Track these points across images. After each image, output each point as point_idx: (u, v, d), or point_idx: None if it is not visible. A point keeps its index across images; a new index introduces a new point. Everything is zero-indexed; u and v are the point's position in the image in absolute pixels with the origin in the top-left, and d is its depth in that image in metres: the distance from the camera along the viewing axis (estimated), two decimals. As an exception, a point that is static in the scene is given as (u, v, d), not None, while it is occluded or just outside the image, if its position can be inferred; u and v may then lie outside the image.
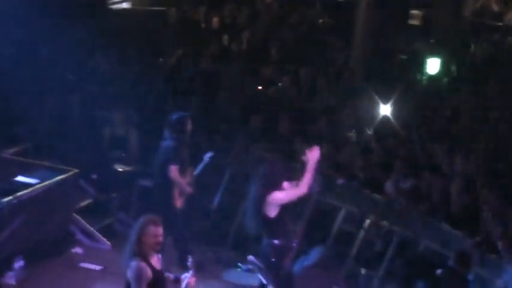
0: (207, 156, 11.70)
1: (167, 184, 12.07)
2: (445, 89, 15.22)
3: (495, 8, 19.38)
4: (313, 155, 10.02)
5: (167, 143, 12.11)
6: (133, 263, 8.42)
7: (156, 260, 8.63)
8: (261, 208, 9.90)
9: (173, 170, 11.76)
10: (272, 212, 9.83)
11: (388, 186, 12.12)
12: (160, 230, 8.71)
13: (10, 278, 10.91)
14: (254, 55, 16.62)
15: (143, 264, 8.38)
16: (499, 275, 10.37)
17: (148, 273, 8.39)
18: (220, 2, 19.30)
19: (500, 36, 18.03)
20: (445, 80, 15.72)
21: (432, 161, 12.59)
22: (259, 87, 15.55)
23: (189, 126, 11.96)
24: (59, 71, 15.51)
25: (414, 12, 18.08)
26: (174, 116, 12.12)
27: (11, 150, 13.52)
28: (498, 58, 16.81)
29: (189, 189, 12.06)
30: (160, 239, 8.66)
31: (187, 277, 8.77)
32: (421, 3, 19.05)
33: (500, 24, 18.46)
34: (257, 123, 14.35)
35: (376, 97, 13.85)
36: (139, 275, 8.40)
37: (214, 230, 13.08)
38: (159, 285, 8.51)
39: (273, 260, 9.92)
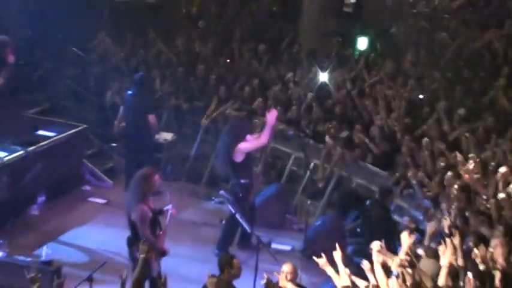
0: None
1: (145, 129, 12.32)
2: (372, 62, 15.59)
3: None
4: (271, 115, 10.36)
5: (137, 98, 12.41)
6: (139, 208, 8.58)
7: (151, 201, 8.78)
8: (230, 155, 10.38)
9: (152, 118, 12.15)
10: (239, 158, 10.28)
11: (328, 137, 12.26)
12: (158, 178, 8.93)
13: (34, 210, 11.30)
14: (224, 36, 16.65)
15: (146, 208, 8.53)
16: (413, 206, 10.74)
17: (149, 213, 8.60)
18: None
19: (414, 20, 17.81)
20: (372, 54, 16.13)
21: (362, 116, 12.83)
22: (228, 61, 15.81)
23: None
24: (69, 49, 15.33)
25: (348, 1, 18.06)
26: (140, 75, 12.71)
27: (33, 110, 13.80)
28: (413, 37, 16.82)
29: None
30: (158, 184, 8.90)
31: (169, 209, 8.84)
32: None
33: (414, 11, 18.02)
34: (226, 88, 14.44)
35: (318, 68, 14.04)
36: (144, 217, 8.56)
37: (192, 171, 13.23)
38: (155, 220, 8.71)
39: (240, 195, 10.37)
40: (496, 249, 7.50)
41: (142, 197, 8.50)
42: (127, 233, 8.70)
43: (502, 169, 9.86)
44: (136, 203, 8.48)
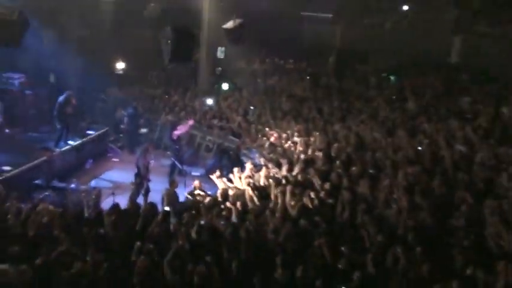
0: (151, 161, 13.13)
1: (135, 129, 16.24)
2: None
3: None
4: (190, 121, 15.25)
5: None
6: (141, 160, 12.13)
7: (146, 157, 12.44)
8: (171, 135, 15.30)
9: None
10: (175, 137, 15.13)
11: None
12: (150, 148, 12.78)
13: (88, 165, 15.07)
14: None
15: (144, 160, 12.12)
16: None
17: (145, 162, 12.24)
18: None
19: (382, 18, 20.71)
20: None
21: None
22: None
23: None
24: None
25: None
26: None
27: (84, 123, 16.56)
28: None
29: None
30: (150, 150, 12.68)
31: (152, 161, 12.69)
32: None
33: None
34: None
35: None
36: (144, 164, 12.17)
37: (157, 144, 16.64)
38: (147, 166, 12.30)
39: (175, 153, 14.76)
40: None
41: (144, 155, 12.58)
42: (132, 173, 12.50)
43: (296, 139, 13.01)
44: (141, 158, 12.52)
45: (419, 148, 11.31)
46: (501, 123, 12.48)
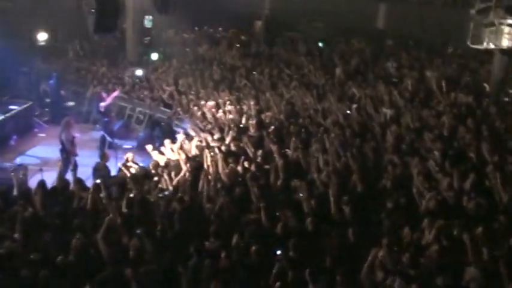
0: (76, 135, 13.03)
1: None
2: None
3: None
4: (116, 91, 14.93)
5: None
6: (64, 134, 11.85)
7: (69, 131, 12.32)
8: (98, 107, 14.83)
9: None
10: (103, 108, 14.66)
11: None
12: (72, 122, 12.41)
13: (12, 142, 14.49)
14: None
15: (68, 134, 12.03)
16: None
17: (69, 137, 12.18)
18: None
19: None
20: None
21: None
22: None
23: None
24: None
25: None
26: None
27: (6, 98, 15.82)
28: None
29: None
30: (72, 124, 12.28)
31: (76, 136, 12.33)
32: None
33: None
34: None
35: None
36: (68, 139, 12.08)
37: (86, 117, 16.53)
38: (72, 139, 12.19)
39: (105, 125, 14.45)
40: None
41: (66, 129, 12.10)
42: (58, 148, 12.18)
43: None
44: (63, 132, 12.08)
45: (349, 112, 11.51)
46: (425, 86, 12.93)
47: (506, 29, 11.79)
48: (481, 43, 12.23)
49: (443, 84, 12.41)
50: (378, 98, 12.19)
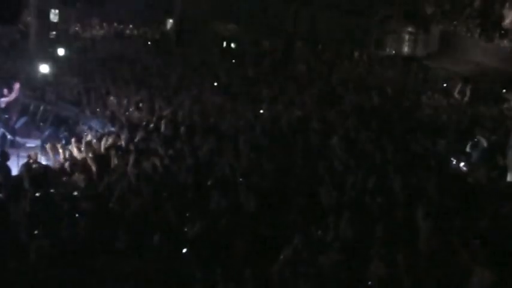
0: None
1: None
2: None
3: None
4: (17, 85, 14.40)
5: None
6: None
7: None
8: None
9: None
10: (3, 104, 14.18)
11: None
12: None
13: None
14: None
15: None
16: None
17: None
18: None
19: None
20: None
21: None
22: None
23: None
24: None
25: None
26: None
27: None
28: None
29: None
30: None
31: None
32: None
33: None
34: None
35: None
36: None
37: None
38: None
39: (5, 123, 13.91)
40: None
41: None
42: None
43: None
44: None
45: (260, 112, 11.73)
46: (331, 87, 13.39)
47: (407, 37, 12.35)
48: (384, 49, 12.73)
49: (350, 87, 12.87)
50: (288, 98, 12.44)
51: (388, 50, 12.86)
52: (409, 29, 12.64)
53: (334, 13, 18.81)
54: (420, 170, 8.24)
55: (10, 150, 11.40)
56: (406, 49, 12.84)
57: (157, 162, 9.27)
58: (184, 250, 6.27)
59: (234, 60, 17.66)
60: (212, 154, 9.44)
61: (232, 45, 20.01)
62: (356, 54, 17.58)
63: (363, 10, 17.48)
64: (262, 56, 17.59)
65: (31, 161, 10.43)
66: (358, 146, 9.61)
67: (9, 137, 13.32)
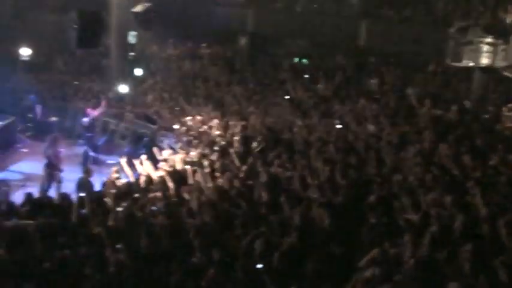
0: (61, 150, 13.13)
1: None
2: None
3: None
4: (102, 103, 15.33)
5: None
6: (50, 150, 12.11)
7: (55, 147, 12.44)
8: (82, 122, 15.05)
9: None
10: (87, 123, 14.85)
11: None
12: (59, 137, 12.60)
13: None
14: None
15: (54, 150, 12.19)
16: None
17: (55, 152, 12.30)
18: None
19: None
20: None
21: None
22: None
23: None
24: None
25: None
26: None
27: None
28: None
29: None
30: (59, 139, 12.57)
31: (62, 151, 12.54)
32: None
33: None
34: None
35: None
36: (54, 154, 12.19)
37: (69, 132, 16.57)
38: (57, 154, 12.30)
39: (88, 140, 14.78)
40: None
41: (53, 145, 12.35)
42: (41, 163, 12.34)
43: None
44: (50, 148, 12.31)
45: (333, 129, 11.65)
46: (406, 103, 13.11)
47: (485, 47, 11.99)
48: (461, 61, 12.38)
49: (425, 101, 12.59)
50: (360, 114, 12.27)
51: (465, 61, 12.45)
52: (488, 40, 12.20)
53: (407, 26, 18.48)
54: (501, 185, 7.97)
55: (93, 167, 11.96)
56: (484, 60, 12.37)
57: (231, 178, 9.37)
58: (259, 266, 6.28)
59: (305, 76, 17.44)
60: (284, 170, 9.40)
61: (304, 61, 19.98)
62: (431, 66, 17.24)
63: (437, 22, 17.23)
64: (334, 71, 17.40)
65: (113, 177, 10.71)
66: (434, 161, 9.34)
67: (91, 154, 13.85)
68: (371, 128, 11.27)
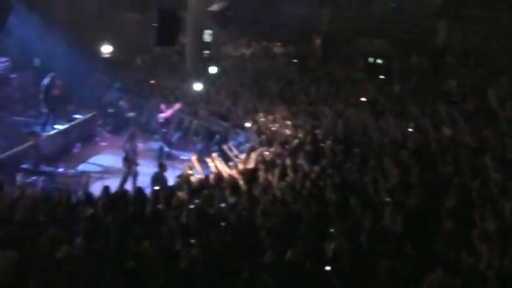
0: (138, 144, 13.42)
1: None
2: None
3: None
4: (177, 104, 15.29)
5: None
6: (128, 145, 12.39)
7: (132, 142, 12.73)
8: (158, 118, 15.22)
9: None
10: (163, 119, 14.94)
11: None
12: (136, 132, 12.84)
13: (76, 149, 15.15)
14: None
15: (132, 144, 12.45)
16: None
17: (132, 146, 12.51)
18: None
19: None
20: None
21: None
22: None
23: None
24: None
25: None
26: None
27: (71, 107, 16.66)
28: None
29: None
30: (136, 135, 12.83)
31: (138, 145, 13.07)
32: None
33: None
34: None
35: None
36: (132, 148, 12.53)
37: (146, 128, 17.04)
38: (134, 148, 12.59)
39: (164, 136, 14.85)
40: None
41: (131, 139, 12.75)
42: (120, 157, 12.65)
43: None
44: (128, 142, 12.67)
45: (407, 131, 11.32)
46: (487, 106, 12.55)
47: None
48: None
49: (507, 104, 11.98)
50: (437, 116, 11.89)
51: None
52: None
53: (490, 26, 17.76)
54: None
55: (167, 162, 12.19)
56: None
57: (303, 178, 9.31)
58: (327, 268, 6.23)
59: (380, 76, 17.11)
60: (357, 172, 9.27)
61: (379, 61, 19.67)
62: (515, 69, 16.45)
63: (522, 21, 16.72)
64: (410, 72, 16.87)
65: (186, 173, 10.89)
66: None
67: (166, 149, 14.15)
68: (448, 131, 10.88)
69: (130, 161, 12.27)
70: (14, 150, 12.88)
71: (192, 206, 8.41)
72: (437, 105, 12.58)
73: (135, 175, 11.57)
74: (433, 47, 19.15)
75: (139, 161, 12.79)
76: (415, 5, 19.87)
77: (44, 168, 12.93)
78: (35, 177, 11.94)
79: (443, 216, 7.31)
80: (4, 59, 15.74)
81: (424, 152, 10.02)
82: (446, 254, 6.41)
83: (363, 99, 14.25)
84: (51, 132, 14.55)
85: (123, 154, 12.49)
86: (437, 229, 7.12)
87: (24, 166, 12.72)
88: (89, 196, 9.14)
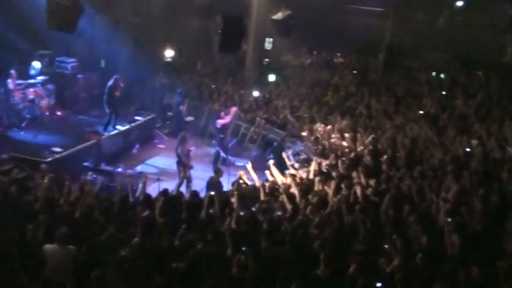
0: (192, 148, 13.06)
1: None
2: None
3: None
4: (234, 109, 15.09)
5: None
6: (180, 148, 12.17)
7: (185, 145, 12.53)
8: (215, 123, 14.71)
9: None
10: (220, 125, 14.48)
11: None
12: (188, 136, 12.68)
13: (135, 150, 15.17)
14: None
15: (184, 148, 12.27)
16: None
17: (185, 150, 12.40)
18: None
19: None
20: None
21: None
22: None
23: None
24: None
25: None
26: None
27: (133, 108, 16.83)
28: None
29: None
30: (188, 138, 12.63)
31: (193, 149, 12.57)
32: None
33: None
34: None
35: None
36: (184, 152, 12.35)
37: (203, 131, 16.69)
38: (188, 153, 12.52)
39: (220, 142, 14.49)
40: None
41: (182, 143, 12.48)
42: (175, 160, 12.57)
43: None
44: (180, 146, 12.47)
45: (469, 149, 11.01)
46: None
47: None
48: None
49: None
50: (502, 136, 11.47)
51: None
52: None
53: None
54: None
55: (222, 167, 12.11)
56: None
57: (359, 190, 9.17)
58: (379, 284, 6.16)
59: (443, 92, 16.75)
60: (417, 189, 9.02)
61: (442, 75, 19.19)
62: None
63: None
64: (475, 88, 16.47)
65: (241, 180, 10.89)
66: None
67: (222, 155, 14.15)
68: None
69: (184, 165, 12.33)
70: (77, 147, 13.22)
71: (243, 213, 8.40)
72: (504, 124, 12.16)
73: (188, 179, 11.59)
74: (500, 64, 18.53)
75: (194, 165, 12.82)
76: (483, 20, 19.43)
77: (104, 166, 13.21)
78: (94, 175, 12.22)
79: (506, 240, 7.05)
80: (72, 60, 16.18)
81: (487, 172, 9.68)
82: (508, 278, 6.20)
83: (421, 112, 13.89)
84: (113, 133, 14.82)
85: (176, 158, 12.50)
86: (498, 251, 6.93)
87: (86, 164, 13.02)
88: (147, 197, 9.20)
